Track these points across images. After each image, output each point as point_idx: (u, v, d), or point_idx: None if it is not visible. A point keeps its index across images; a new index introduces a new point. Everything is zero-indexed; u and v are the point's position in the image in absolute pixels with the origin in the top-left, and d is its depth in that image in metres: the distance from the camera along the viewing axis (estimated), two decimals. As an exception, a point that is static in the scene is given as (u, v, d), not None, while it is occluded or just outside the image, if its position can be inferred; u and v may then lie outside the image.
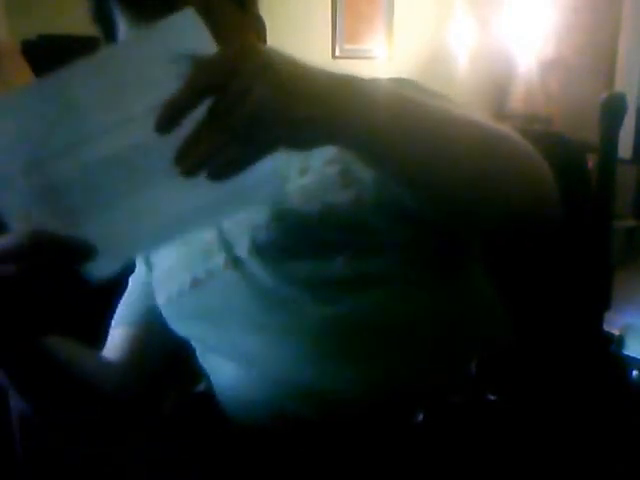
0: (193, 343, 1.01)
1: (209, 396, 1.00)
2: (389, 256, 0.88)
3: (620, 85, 4.28)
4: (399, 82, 0.95)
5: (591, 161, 1.21)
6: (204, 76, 0.58)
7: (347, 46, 4.29)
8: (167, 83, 0.58)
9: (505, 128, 0.81)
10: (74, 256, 0.66)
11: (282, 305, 0.88)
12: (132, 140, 0.63)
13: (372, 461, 0.83)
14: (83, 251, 0.65)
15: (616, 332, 1.46)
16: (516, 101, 4.93)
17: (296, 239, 0.89)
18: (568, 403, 0.93)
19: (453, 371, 0.87)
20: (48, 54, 3.22)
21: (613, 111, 1.20)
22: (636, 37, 4.26)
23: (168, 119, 0.58)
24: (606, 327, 1.24)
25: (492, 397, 0.85)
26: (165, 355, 1.03)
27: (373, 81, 0.70)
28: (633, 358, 1.26)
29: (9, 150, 0.62)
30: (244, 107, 0.58)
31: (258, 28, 0.97)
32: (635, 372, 1.13)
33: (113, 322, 1.05)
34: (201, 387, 1.07)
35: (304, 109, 0.61)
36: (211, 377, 1.00)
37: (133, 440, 0.98)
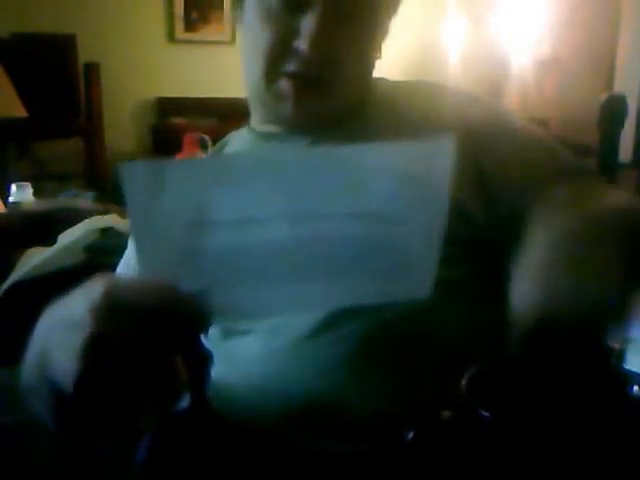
0: (211, 329, 1.02)
1: (195, 415, 1.01)
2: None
3: (620, 86, 4.32)
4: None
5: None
6: None
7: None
8: (382, 197, 0.59)
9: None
10: (197, 324, 0.61)
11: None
12: (308, 233, 0.61)
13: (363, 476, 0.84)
14: (205, 322, 0.61)
15: (616, 345, 1.46)
16: (510, 104, 4.96)
17: None
18: (566, 419, 0.93)
19: (453, 386, 0.88)
20: (21, 52, 3.22)
21: (613, 113, 1.21)
22: (637, 35, 4.29)
23: None
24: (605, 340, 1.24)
25: (485, 413, 0.85)
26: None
27: None
28: (634, 373, 1.26)
29: (180, 207, 0.59)
30: None
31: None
32: (636, 387, 1.13)
33: None
34: (182, 404, 1.06)
35: None
36: (231, 361, 1.01)
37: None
